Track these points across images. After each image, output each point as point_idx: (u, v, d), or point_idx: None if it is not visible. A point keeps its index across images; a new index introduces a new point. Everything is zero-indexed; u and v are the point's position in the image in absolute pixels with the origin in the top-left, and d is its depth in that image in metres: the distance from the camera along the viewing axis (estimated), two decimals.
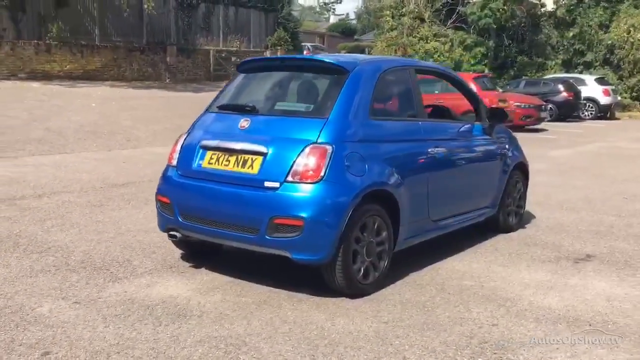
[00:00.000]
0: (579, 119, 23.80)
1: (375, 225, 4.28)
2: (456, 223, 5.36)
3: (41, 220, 6.07)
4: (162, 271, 4.67)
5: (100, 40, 22.22)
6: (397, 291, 4.38)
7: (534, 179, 9.49)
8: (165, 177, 4.68)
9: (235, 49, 26.69)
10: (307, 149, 4.04)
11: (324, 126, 4.13)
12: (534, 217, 6.92)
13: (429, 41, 30.49)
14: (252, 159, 4.20)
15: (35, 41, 20.25)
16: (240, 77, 4.95)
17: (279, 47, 28.88)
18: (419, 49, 30.03)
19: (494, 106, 5.83)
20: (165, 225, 4.66)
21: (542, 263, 5.17)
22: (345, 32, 55.45)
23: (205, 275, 4.60)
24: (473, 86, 16.00)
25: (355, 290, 4.19)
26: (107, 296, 4.11)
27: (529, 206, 7.30)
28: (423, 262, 5.04)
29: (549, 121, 21.25)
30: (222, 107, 4.75)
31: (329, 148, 4.04)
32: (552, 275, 4.85)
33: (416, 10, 30.90)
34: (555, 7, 31.04)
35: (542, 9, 31.66)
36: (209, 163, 4.41)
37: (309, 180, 3.98)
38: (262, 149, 4.18)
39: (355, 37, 54.14)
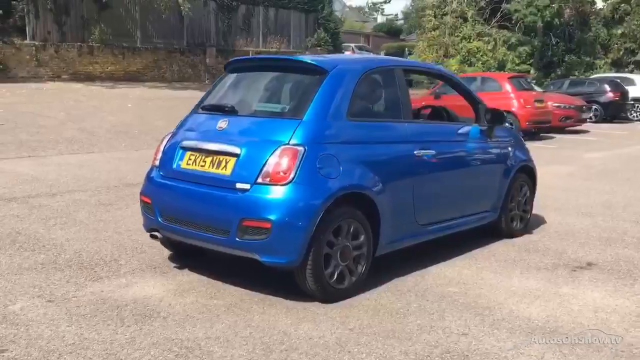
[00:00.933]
0: (627, 120, 22.92)
1: (351, 228, 4.20)
2: (450, 227, 5.21)
3: (46, 218, 6.21)
4: (145, 271, 4.69)
5: (141, 42, 22.70)
6: (374, 297, 4.28)
7: (558, 182, 9.21)
8: (148, 178, 4.71)
9: (274, 50, 26.83)
10: (278, 150, 3.99)
11: (297, 127, 4.07)
12: (544, 222, 6.68)
13: (471, 40, 30.00)
14: (226, 160, 4.18)
15: (79, 43, 20.83)
16: (227, 77, 4.93)
17: (319, 48, 28.91)
18: (461, 48, 29.56)
19: (493, 108, 5.47)
20: (148, 226, 4.68)
21: (537, 270, 4.97)
22: (390, 32, 55.08)
23: (186, 276, 4.60)
24: (508, 86, 15.65)
25: (329, 294, 4.12)
26: (82, 295, 4.15)
27: (544, 211, 7.08)
28: (412, 267, 4.92)
29: (593, 122, 20.58)
30: (205, 108, 4.75)
31: (301, 149, 3.98)
32: (544, 283, 4.66)
33: (459, 9, 30.44)
34: (604, 4, 30.03)
35: (592, 7, 30.71)
36: (187, 164, 4.41)
37: (278, 182, 3.93)
38: (236, 150, 4.16)
39: (401, 37, 53.70)
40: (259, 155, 4.04)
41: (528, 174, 6.13)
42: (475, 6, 30.53)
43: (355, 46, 45.80)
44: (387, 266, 4.86)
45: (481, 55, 29.76)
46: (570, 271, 4.97)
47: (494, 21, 30.61)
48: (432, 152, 4.80)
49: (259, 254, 3.97)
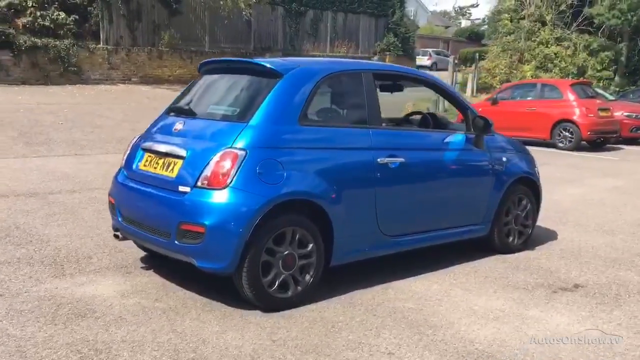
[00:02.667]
0: None
1: (296, 236, 4.07)
2: (426, 240, 4.97)
3: (52, 214, 6.43)
4: (110, 270, 4.76)
5: (209, 46, 23.29)
6: (320, 308, 4.13)
7: (596, 196, 8.62)
8: (114, 178, 4.78)
9: (342, 54, 26.82)
10: (219, 154, 3.93)
11: (242, 131, 4.01)
12: (554, 238, 6.26)
13: (549, 45, 28.69)
14: (174, 162, 4.18)
15: (149, 47, 21.63)
16: (200, 79, 4.93)
17: (387, 53, 28.65)
18: (537, 53, 28.36)
19: (479, 115, 5.16)
20: (113, 226, 4.75)
21: (513, 290, 4.65)
22: (471, 37, 53.78)
23: (147, 277, 4.63)
24: (570, 94, 14.85)
25: (268, 303, 4.01)
26: (34, 291, 4.25)
27: (562, 226, 6.69)
28: (380, 279, 4.73)
29: None
30: (170, 110, 4.77)
31: (241, 153, 3.90)
32: (513, 304, 4.34)
33: (537, 12, 29.21)
34: None
35: None
36: (144, 165, 4.44)
37: (215, 186, 3.88)
38: (182, 152, 4.14)
39: (483, 42, 52.31)
40: (202, 158, 4.01)
41: (529, 186, 5.75)
42: (555, 10, 29.19)
43: (432, 51, 45.25)
44: (351, 277, 4.69)
45: (559, 61, 28.38)
46: (549, 293, 4.62)
47: (574, 25, 29.15)
48: (401, 159, 4.58)
49: (195, 259, 3.93)
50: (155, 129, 4.71)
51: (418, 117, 5.58)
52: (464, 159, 5.14)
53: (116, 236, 4.69)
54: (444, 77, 30.14)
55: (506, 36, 29.68)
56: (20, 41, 18.36)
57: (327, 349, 3.52)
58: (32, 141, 11.66)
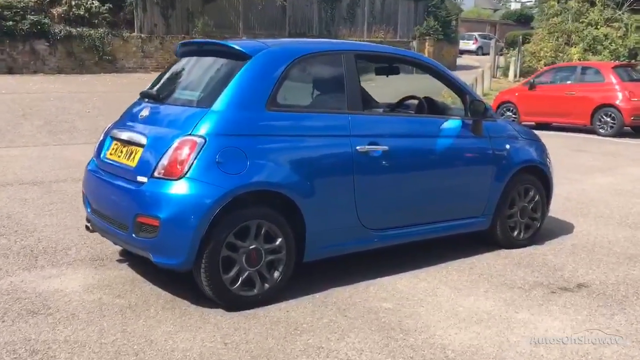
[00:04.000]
0: None
1: (262, 230, 3.79)
2: (416, 234, 4.62)
3: (48, 204, 6.34)
4: (85, 263, 4.59)
5: (243, 33, 23.10)
6: (289, 308, 3.85)
7: (626, 186, 8.01)
8: (86, 167, 4.59)
9: (380, 39, 26.24)
10: (176, 142, 3.69)
11: (203, 117, 3.74)
12: (570, 231, 5.80)
13: (598, 27, 27.40)
14: (135, 150, 3.96)
15: (183, 35, 21.60)
16: (176, 62, 4.68)
17: (427, 38, 27.91)
18: (586, 35, 27.12)
19: (477, 99, 4.74)
20: (86, 217, 4.57)
21: (508, 290, 4.26)
22: (520, 19, 52.08)
23: (118, 271, 4.43)
24: (612, 77, 14.03)
25: (230, 301, 3.76)
26: None
27: (582, 218, 6.26)
28: (363, 276, 4.41)
29: None
30: (142, 95, 4.54)
31: (200, 141, 3.64)
32: (502, 306, 3.97)
33: None
34: None
35: None
36: (111, 154, 4.24)
37: (171, 177, 3.63)
38: (142, 140, 3.92)
39: (532, 24, 50.62)
40: (161, 146, 3.77)
41: (538, 176, 5.30)
42: None
43: (478, 35, 44.04)
44: (334, 274, 4.40)
45: (609, 43, 27.07)
46: (547, 293, 4.21)
47: (626, 5, 27.74)
48: (385, 148, 4.24)
49: (152, 254, 3.71)
50: (126, 115, 4.50)
51: (415, 100, 5.19)
52: (460, 146, 4.74)
53: (87, 228, 4.51)
54: (487, 61, 29.24)
55: (553, 17, 28.51)
56: (56, 30, 18.56)
57: (281, 354, 3.24)
58: (56, 129, 11.73)
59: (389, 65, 5.26)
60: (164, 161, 3.67)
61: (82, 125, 12.23)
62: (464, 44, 40.47)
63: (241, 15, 23.19)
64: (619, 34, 27.29)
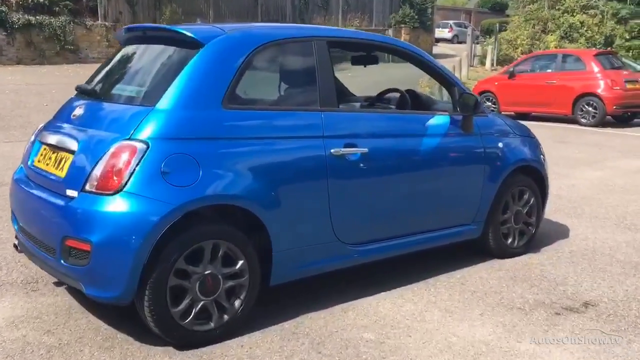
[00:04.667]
0: None
1: (219, 252, 3.17)
2: (401, 247, 4.04)
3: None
4: (15, 287, 3.92)
5: (213, 21, 22.29)
6: (252, 344, 3.24)
7: (619, 181, 7.55)
8: (12, 175, 3.92)
9: (355, 28, 25.60)
10: (112, 148, 3.04)
11: (145, 117, 3.10)
12: (566, 235, 5.28)
13: (574, 14, 27.11)
14: (65, 157, 3.30)
15: (149, 24, 20.73)
16: (120, 50, 4.00)
17: (403, 26, 27.35)
18: (562, 22, 26.81)
19: (467, 92, 4.15)
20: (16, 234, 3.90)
21: (506, 311, 3.71)
22: (495, 7, 51.78)
23: (53, 298, 3.77)
24: (594, 65, 13.61)
25: (182, 338, 3.14)
26: None
27: (577, 219, 5.75)
28: (340, 297, 3.83)
29: None
30: (77, 90, 3.88)
31: (140, 147, 3.00)
32: (503, 333, 3.41)
33: None
34: None
35: None
36: (39, 160, 3.57)
37: (105, 191, 2.98)
38: (73, 145, 3.27)
39: (506, 12, 50.40)
40: (94, 153, 3.12)
41: (533, 176, 4.76)
42: None
43: (453, 23, 43.59)
44: (307, 296, 3.80)
45: (585, 31, 26.81)
46: (551, 315, 3.67)
47: None
48: (364, 150, 3.64)
49: (84, 284, 3.06)
50: (57, 114, 3.84)
51: (396, 94, 4.59)
52: (448, 146, 4.16)
53: (15, 247, 3.82)
54: (463, 49, 28.78)
55: (529, 5, 28.15)
56: (14, 19, 17.62)
57: None
58: (9, 125, 10.94)
59: (367, 53, 4.65)
60: (97, 171, 3.02)
61: (38, 119, 11.32)
62: (439, 32, 39.95)
63: (211, 2, 22.39)
64: (595, 22, 27.07)
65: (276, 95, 3.88)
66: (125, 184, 2.95)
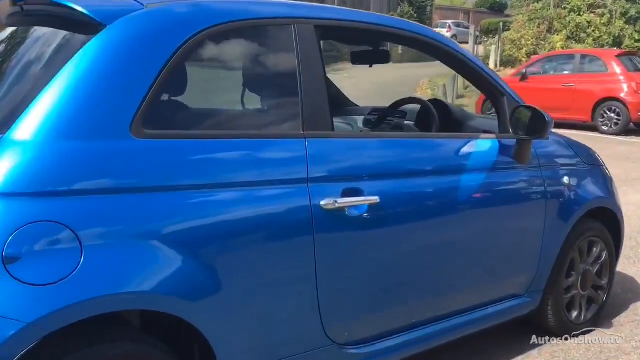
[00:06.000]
0: None
1: None
2: (426, 340, 2.65)
3: None
4: None
5: None
6: None
7: None
8: None
9: None
10: None
11: None
12: (635, 293, 3.92)
13: (581, 13, 25.87)
14: None
15: None
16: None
17: None
18: (569, 22, 25.58)
19: (526, 105, 2.74)
20: None
21: None
22: (494, 7, 50.64)
23: None
24: (616, 66, 12.28)
25: None
26: None
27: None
28: None
29: None
30: None
31: None
32: None
33: None
34: None
35: None
36: None
37: None
38: None
39: (506, 12, 49.29)
40: None
41: (605, 221, 3.40)
42: None
43: (452, 23, 42.31)
44: None
45: (593, 31, 25.56)
46: None
47: None
48: (373, 199, 2.26)
49: None
50: None
51: (416, 106, 3.21)
52: (496, 186, 2.77)
53: None
54: None
55: (533, 3, 26.88)
56: None
57: None
58: None
59: (374, 46, 3.25)
60: None
61: None
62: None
63: None
64: (603, 21, 25.85)
65: (230, 112, 2.49)
66: None
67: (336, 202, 2.17)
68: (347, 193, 2.22)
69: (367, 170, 2.33)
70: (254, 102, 2.46)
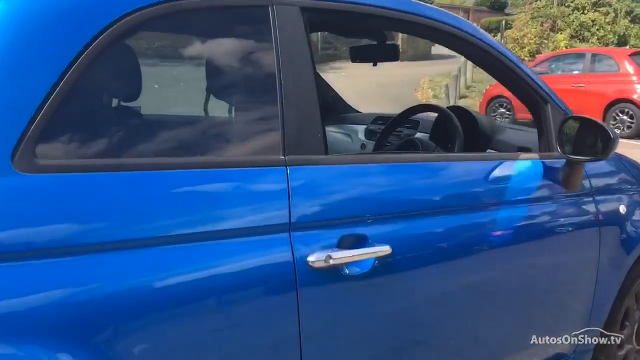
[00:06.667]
0: None
1: None
2: None
3: None
4: None
5: None
6: None
7: None
8: None
9: None
10: None
11: None
12: None
13: (585, 12, 25.33)
14: None
15: None
16: None
17: None
18: (572, 21, 25.04)
19: (578, 116, 2.05)
20: None
21: None
22: (494, 5, 50.10)
23: None
24: (629, 66, 11.68)
25: None
26: None
27: None
28: None
29: None
30: None
31: None
32: None
33: None
34: None
35: None
36: None
37: None
38: None
39: (506, 11, 48.81)
40: None
41: None
42: None
43: None
44: None
45: (597, 29, 25.00)
46: None
47: None
48: (383, 250, 1.60)
49: None
50: None
51: (431, 115, 2.54)
52: (540, 225, 2.10)
53: None
54: None
55: (536, 1, 26.32)
56: None
57: None
58: None
59: (380, 39, 2.58)
60: None
61: None
62: None
63: None
64: (607, 20, 25.33)
65: (175, 130, 1.81)
66: None
67: (330, 257, 1.51)
68: (345, 243, 1.56)
69: (374, 209, 1.66)
70: (213, 113, 1.79)
